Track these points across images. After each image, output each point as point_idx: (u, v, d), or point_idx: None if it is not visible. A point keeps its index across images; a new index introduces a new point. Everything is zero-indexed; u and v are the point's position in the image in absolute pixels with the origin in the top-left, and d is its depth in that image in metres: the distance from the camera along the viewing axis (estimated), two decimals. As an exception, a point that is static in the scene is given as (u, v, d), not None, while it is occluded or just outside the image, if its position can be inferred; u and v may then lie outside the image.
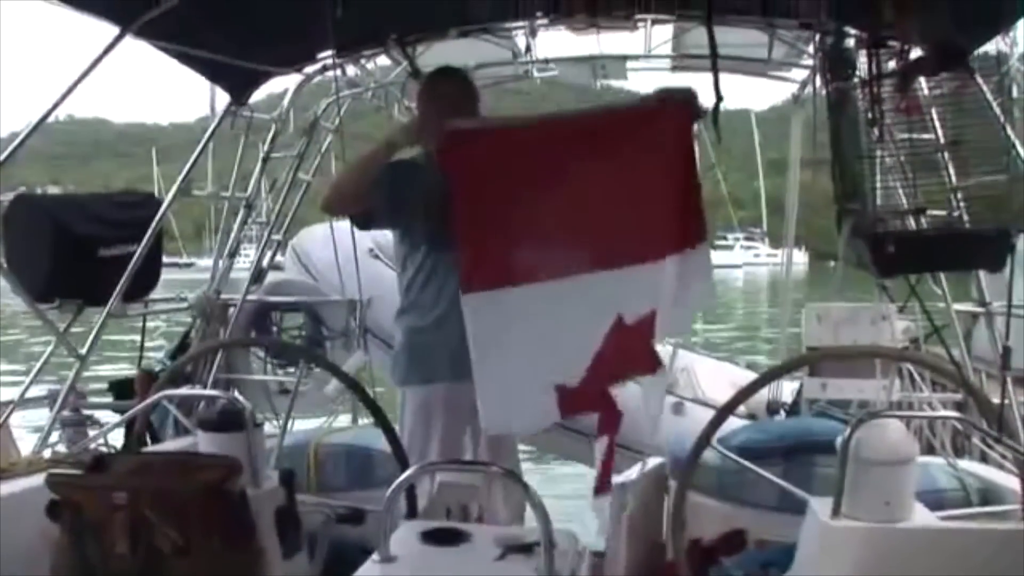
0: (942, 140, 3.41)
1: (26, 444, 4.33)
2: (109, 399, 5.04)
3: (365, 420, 4.55)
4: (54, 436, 4.12)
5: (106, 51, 3.69)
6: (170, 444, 4.17)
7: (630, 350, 3.14)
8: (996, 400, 2.93)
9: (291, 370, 5.46)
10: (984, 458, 4.03)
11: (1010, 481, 3.41)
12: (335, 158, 5.66)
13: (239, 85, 4.73)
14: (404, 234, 3.52)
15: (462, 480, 2.33)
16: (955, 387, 4.26)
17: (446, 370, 3.34)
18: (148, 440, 4.25)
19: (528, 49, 5.13)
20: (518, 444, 3.97)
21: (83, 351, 4.20)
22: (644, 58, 5.12)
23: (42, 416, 4.30)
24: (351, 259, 4.63)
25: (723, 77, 4.10)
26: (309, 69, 4.97)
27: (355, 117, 6.14)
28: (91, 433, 4.12)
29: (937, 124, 3.40)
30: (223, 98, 4.87)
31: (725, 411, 2.73)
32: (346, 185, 3.50)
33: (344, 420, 5.32)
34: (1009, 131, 3.34)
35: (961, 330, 4.70)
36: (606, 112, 3.32)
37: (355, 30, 3.99)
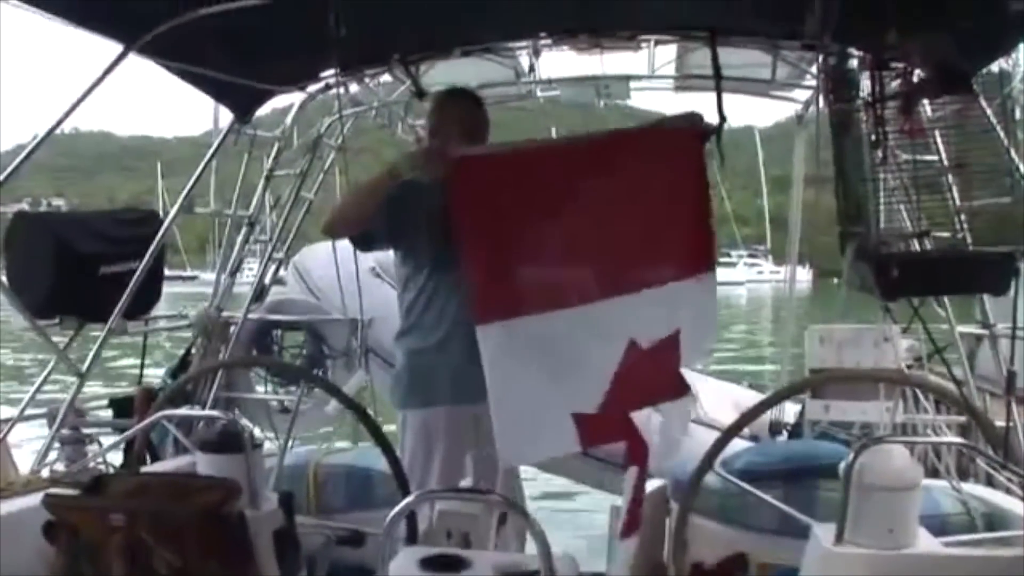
0: (946, 162, 3.40)
1: (25, 459, 4.32)
2: (108, 415, 5.04)
3: (365, 440, 4.53)
4: (52, 454, 4.10)
5: (109, 69, 3.71)
6: (169, 463, 4.15)
7: (652, 375, 3.14)
8: (1000, 423, 2.92)
9: (292, 389, 5.44)
10: (990, 481, 4.00)
11: (1015, 506, 3.39)
12: (339, 172, 5.67)
13: (243, 103, 4.74)
14: (406, 255, 3.51)
15: (462, 509, 2.31)
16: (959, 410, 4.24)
17: (447, 393, 3.33)
18: (147, 458, 4.24)
19: (531, 69, 5.13)
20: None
21: (83, 369, 4.19)
22: (647, 78, 5.11)
23: (41, 433, 4.29)
24: (353, 278, 4.63)
25: (726, 96, 4.12)
26: (312, 87, 4.98)
27: (358, 132, 6.16)
28: (90, 451, 4.11)
29: (941, 146, 3.40)
30: (227, 114, 4.89)
31: (728, 435, 2.72)
32: (348, 210, 3.49)
33: (344, 440, 5.32)
34: (1013, 153, 3.33)
35: (965, 351, 4.68)
36: (616, 137, 3.32)
37: (358, 49, 3.98)
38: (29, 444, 4.58)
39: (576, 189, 3.10)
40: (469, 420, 3.25)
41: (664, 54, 4.92)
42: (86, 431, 4.34)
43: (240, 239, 5.37)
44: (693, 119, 3.30)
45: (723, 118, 3.95)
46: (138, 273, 4.38)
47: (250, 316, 5.43)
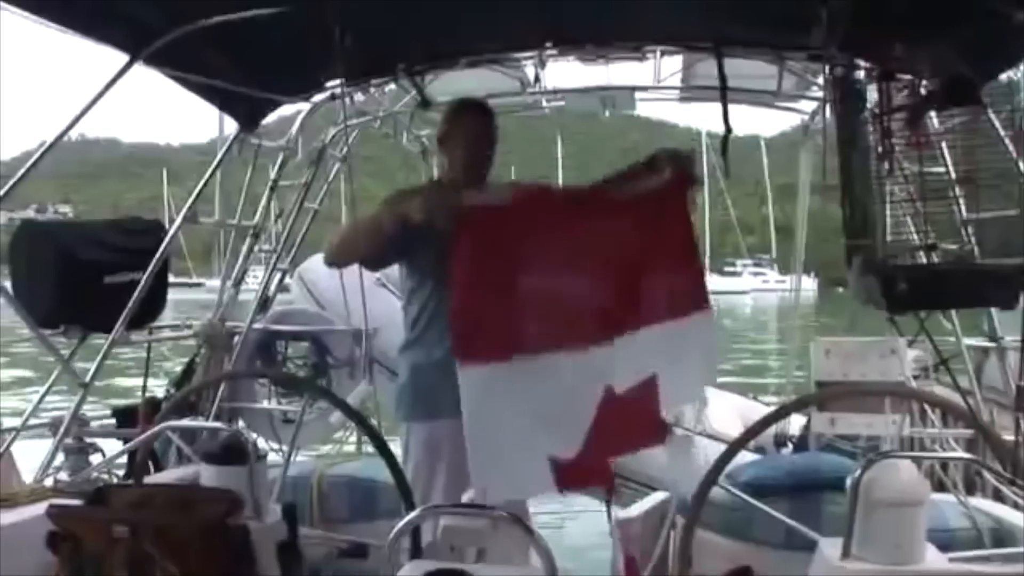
0: (953, 174, 3.39)
1: (30, 466, 4.31)
2: (112, 423, 5.04)
3: (369, 450, 4.53)
4: (56, 463, 4.10)
5: (115, 79, 3.72)
6: (172, 473, 4.16)
7: (630, 421, 3.15)
8: (1008, 436, 2.90)
9: (296, 399, 5.43)
10: (998, 495, 3.98)
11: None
12: (344, 180, 5.66)
13: (248, 112, 4.74)
14: (411, 269, 3.50)
15: (467, 524, 2.29)
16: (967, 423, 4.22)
17: (451, 407, 3.31)
18: (151, 468, 4.23)
19: (537, 79, 5.13)
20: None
21: (87, 379, 4.19)
22: (653, 89, 5.11)
23: (45, 442, 4.28)
24: (358, 288, 4.63)
25: (732, 106, 4.12)
26: (318, 97, 4.98)
27: (363, 140, 6.16)
28: (93, 461, 4.10)
29: (948, 158, 3.39)
30: (232, 122, 4.89)
31: (733, 449, 2.69)
32: (353, 244, 3.50)
33: (348, 449, 5.31)
34: (1021, 165, 3.32)
35: (972, 364, 4.67)
36: (605, 186, 3.30)
37: (364, 59, 3.99)
38: (33, 453, 4.57)
39: (563, 237, 3.10)
40: None
41: (670, 64, 4.93)
42: (89, 441, 4.32)
43: (244, 249, 5.37)
44: (680, 159, 3.29)
45: (729, 129, 3.95)
46: (142, 283, 4.38)
47: (254, 326, 5.42)
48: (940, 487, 3.98)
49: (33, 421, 4.22)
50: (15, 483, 3.95)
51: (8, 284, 4.28)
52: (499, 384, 2.93)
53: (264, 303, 5.59)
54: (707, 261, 79.39)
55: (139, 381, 5.14)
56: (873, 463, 2.37)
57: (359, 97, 5.21)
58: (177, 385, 5.29)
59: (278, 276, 5.69)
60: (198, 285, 38.94)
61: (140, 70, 3.74)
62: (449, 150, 3.56)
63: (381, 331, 5.31)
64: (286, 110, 5.24)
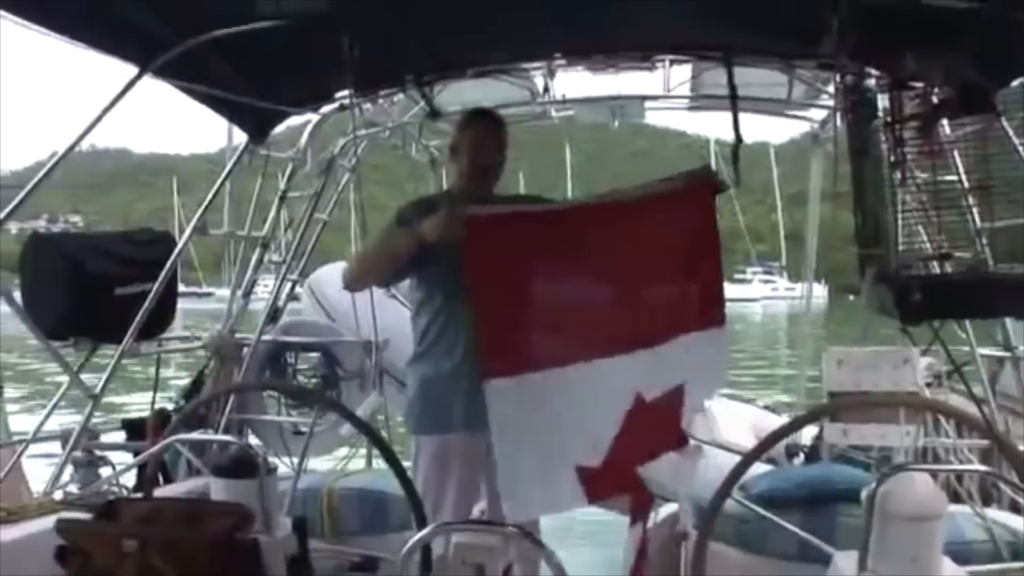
0: (966, 182, 3.37)
1: (39, 476, 4.31)
2: (122, 435, 5.04)
3: (379, 462, 4.51)
4: (65, 475, 4.09)
5: (124, 91, 3.72)
6: (182, 485, 4.15)
7: (656, 428, 3.15)
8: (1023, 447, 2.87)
9: (305, 411, 5.43)
10: (1015, 507, 3.94)
11: None
12: (353, 190, 5.66)
13: (256, 124, 4.74)
14: (420, 280, 3.49)
15: (478, 541, 2.28)
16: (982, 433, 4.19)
17: (462, 420, 3.31)
18: (160, 480, 4.23)
19: (546, 89, 5.12)
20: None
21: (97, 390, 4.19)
22: (663, 98, 5.10)
23: (55, 453, 4.28)
24: (368, 299, 4.62)
25: (741, 114, 4.11)
26: (326, 108, 4.98)
27: (372, 149, 6.16)
28: (102, 473, 4.10)
29: (961, 166, 3.36)
30: (241, 132, 4.89)
31: (747, 462, 2.67)
32: (370, 269, 3.56)
33: (359, 461, 5.30)
34: None
35: (987, 373, 4.63)
36: (627, 195, 3.31)
37: (373, 69, 3.98)
38: (43, 463, 4.57)
39: (585, 247, 3.12)
40: (483, 447, 3.23)
41: (679, 73, 4.91)
42: (99, 453, 4.32)
43: (253, 261, 5.37)
44: (706, 173, 3.34)
45: (739, 139, 3.93)
46: (152, 295, 4.38)
47: (264, 337, 5.41)
48: (955, 498, 3.95)
49: (42, 433, 4.22)
50: (24, 496, 3.96)
51: (18, 295, 4.28)
52: (526, 396, 2.93)
53: (274, 314, 5.58)
54: (716, 268, 79.48)
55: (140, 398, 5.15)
56: (889, 476, 2.35)
57: (368, 108, 5.21)
58: (186, 397, 5.30)
59: (288, 287, 5.69)
60: (208, 295, 39.00)
61: (150, 81, 3.74)
62: (458, 159, 3.57)
63: (391, 342, 5.30)
64: (296, 120, 5.25)
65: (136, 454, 4.12)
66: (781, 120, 5.72)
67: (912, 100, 3.06)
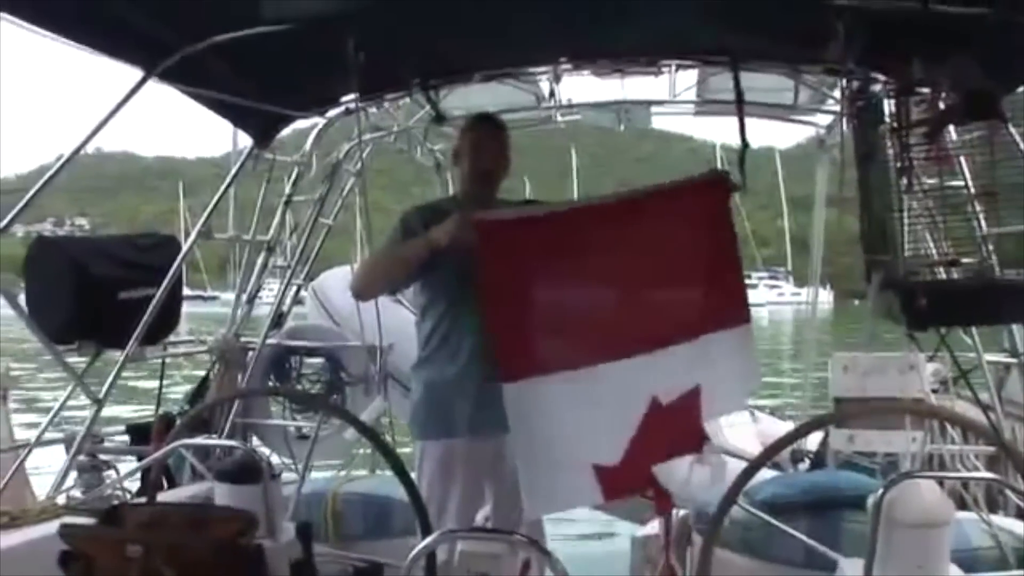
0: (972, 188, 3.35)
1: (43, 483, 4.31)
2: (126, 438, 5.04)
3: (383, 467, 4.51)
4: (69, 480, 4.09)
5: (129, 95, 3.73)
6: (186, 490, 4.15)
7: (673, 429, 3.17)
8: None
9: (310, 415, 5.42)
10: (1022, 514, 3.92)
11: None
12: (358, 194, 5.66)
13: (261, 128, 4.74)
14: (424, 285, 3.49)
15: (484, 549, 2.27)
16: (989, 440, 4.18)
17: (466, 426, 3.31)
18: (164, 484, 4.22)
19: (552, 94, 5.12)
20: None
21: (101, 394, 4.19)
22: (669, 103, 5.09)
23: (59, 458, 4.28)
24: (372, 303, 4.60)
25: (747, 119, 4.10)
26: (332, 112, 4.98)
27: (377, 153, 6.16)
28: (106, 477, 4.09)
29: (967, 172, 3.35)
30: (246, 136, 4.90)
31: (753, 468, 2.65)
32: (379, 276, 3.58)
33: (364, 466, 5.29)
34: None
35: (994, 380, 4.61)
36: (641, 195, 3.33)
37: (378, 74, 3.99)
38: (47, 468, 4.57)
39: (600, 249, 3.14)
40: (488, 452, 3.23)
41: (685, 78, 4.91)
42: (103, 457, 4.32)
43: (259, 264, 5.37)
44: (720, 175, 3.36)
45: (745, 144, 3.93)
46: (156, 299, 4.38)
47: (268, 342, 5.41)
48: (962, 505, 3.93)
49: (47, 437, 4.22)
50: (28, 500, 3.95)
51: (22, 299, 4.29)
52: (544, 397, 2.97)
53: (279, 318, 5.58)
54: (722, 273, 79.47)
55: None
56: (895, 483, 2.33)
57: (373, 112, 5.21)
58: (191, 401, 5.30)
59: (292, 291, 5.68)
60: (213, 298, 39.08)
61: (156, 85, 3.75)
62: (460, 164, 3.57)
63: (396, 346, 5.28)
64: (302, 123, 5.26)
65: (140, 459, 4.11)
66: (787, 125, 5.72)
67: (918, 106, 3.05)
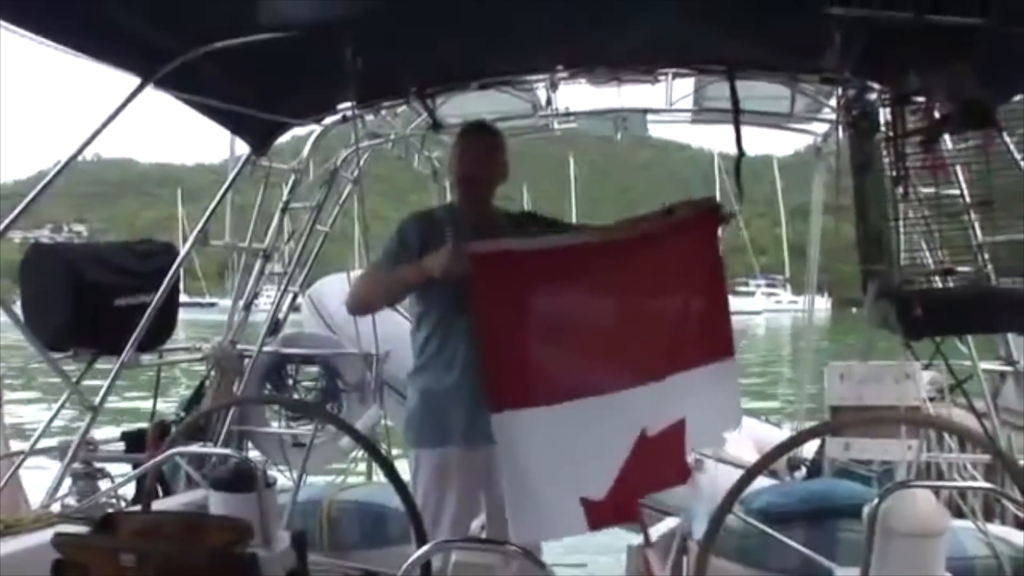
0: (967, 197, 3.36)
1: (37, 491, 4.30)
2: (121, 446, 5.02)
3: (379, 475, 4.50)
4: (64, 488, 4.08)
5: (126, 102, 3.73)
6: (180, 498, 4.13)
7: (658, 461, 3.21)
8: (1025, 462, 2.86)
9: (306, 422, 5.42)
10: (1018, 522, 3.92)
11: None
12: (356, 201, 5.66)
13: (259, 135, 4.74)
14: (420, 294, 3.49)
15: (478, 559, 2.27)
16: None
17: (461, 435, 3.31)
18: (159, 492, 4.21)
19: (549, 102, 5.12)
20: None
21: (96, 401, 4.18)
22: (665, 111, 5.10)
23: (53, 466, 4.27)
24: (368, 310, 4.61)
25: (744, 127, 4.11)
26: (329, 119, 4.98)
27: (375, 159, 6.17)
28: (101, 485, 4.08)
29: (962, 181, 3.36)
30: (244, 143, 4.89)
31: (749, 477, 2.65)
32: (374, 297, 3.57)
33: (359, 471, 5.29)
34: None
35: (989, 388, 4.62)
36: (634, 230, 3.33)
37: (375, 81, 3.99)
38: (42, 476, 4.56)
39: (591, 284, 3.17)
40: (482, 462, 3.23)
41: (682, 86, 4.92)
42: (98, 465, 4.30)
43: (255, 273, 5.37)
44: (710, 204, 3.37)
45: (741, 152, 3.93)
46: (152, 306, 4.37)
47: (264, 349, 5.41)
48: (958, 513, 3.93)
49: (41, 444, 4.21)
50: (22, 508, 3.94)
51: (18, 306, 4.28)
52: (532, 428, 3.00)
53: (275, 326, 5.58)
54: (719, 281, 79.48)
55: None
56: (890, 492, 2.33)
57: (370, 119, 5.21)
58: (187, 408, 5.29)
59: (289, 298, 5.68)
60: (211, 305, 39.03)
61: (155, 91, 3.75)
62: (454, 172, 3.58)
63: (392, 354, 5.28)
64: (300, 130, 5.26)
65: (135, 466, 4.10)
66: (784, 133, 5.73)
67: (914, 115, 3.06)
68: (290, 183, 5.39)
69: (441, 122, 5.12)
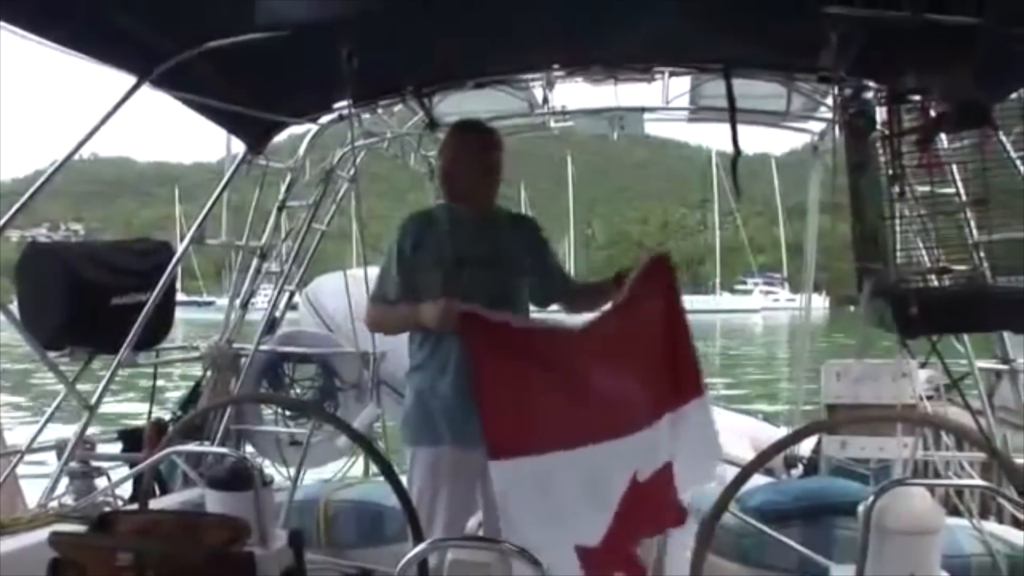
0: (963, 195, 3.36)
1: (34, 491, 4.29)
2: (118, 446, 5.02)
3: (376, 473, 4.50)
4: (60, 487, 4.08)
5: (122, 101, 3.73)
6: (177, 497, 4.14)
7: (652, 506, 3.27)
8: (1021, 460, 2.86)
9: (303, 421, 5.41)
10: (1016, 521, 3.93)
11: None
12: (353, 199, 5.66)
13: (255, 134, 4.74)
14: (415, 296, 3.50)
15: (474, 558, 2.28)
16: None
17: (455, 434, 3.32)
18: (156, 491, 4.21)
19: (545, 100, 5.12)
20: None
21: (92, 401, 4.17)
22: (662, 110, 5.10)
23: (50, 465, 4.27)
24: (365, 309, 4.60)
25: (740, 125, 4.11)
26: (325, 118, 4.98)
27: (373, 158, 6.16)
28: (98, 484, 4.08)
29: (958, 180, 3.36)
30: (240, 142, 4.89)
31: (745, 475, 2.66)
32: (381, 330, 3.85)
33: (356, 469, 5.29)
34: None
35: (985, 387, 4.62)
36: (604, 313, 3.46)
37: (372, 80, 3.99)
38: (39, 475, 4.55)
39: (572, 356, 3.27)
40: (478, 461, 3.23)
41: (678, 84, 4.92)
42: (95, 464, 4.30)
43: (251, 272, 5.37)
44: (660, 258, 3.45)
45: (738, 152, 3.94)
46: (149, 304, 4.37)
47: (261, 348, 5.41)
48: (954, 511, 3.94)
49: (38, 443, 4.20)
50: (20, 507, 3.94)
51: (15, 305, 4.27)
52: (528, 478, 3.07)
53: (271, 324, 5.58)
54: (718, 280, 79.75)
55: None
56: (886, 491, 2.34)
57: (366, 118, 5.21)
58: (183, 407, 5.29)
59: (286, 297, 5.68)
60: (209, 304, 39.01)
61: (152, 90, 3.75)
62: (441, 170, 3.65)
63: (389, 354, 5.27)
64: (297, 129, 5.26)
65: (132, 465, 4.10)
66: (782, 131, 5.72)
67: (910, 113, 3.06)
68: (287, 182, 5.39)
69: (438, 121, 5.13)
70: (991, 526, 3.75)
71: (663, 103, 5.04)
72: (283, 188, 5.42)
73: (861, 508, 2.34)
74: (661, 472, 3.26)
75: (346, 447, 5.01)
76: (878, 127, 3.09)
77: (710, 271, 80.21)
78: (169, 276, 4.54)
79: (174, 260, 4.70)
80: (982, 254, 3.35)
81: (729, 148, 4.28)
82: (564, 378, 3.22)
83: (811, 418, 5.80)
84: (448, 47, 3.98)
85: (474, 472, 3.32)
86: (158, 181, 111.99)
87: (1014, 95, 3.30)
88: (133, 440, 4.89)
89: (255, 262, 5.37)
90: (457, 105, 4.93)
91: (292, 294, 5.79)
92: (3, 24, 3.07)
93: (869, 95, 3.25)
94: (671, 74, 4.68)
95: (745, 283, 79.71)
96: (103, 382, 4.29)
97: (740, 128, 4.19)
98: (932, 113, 3.01)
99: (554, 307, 3.88)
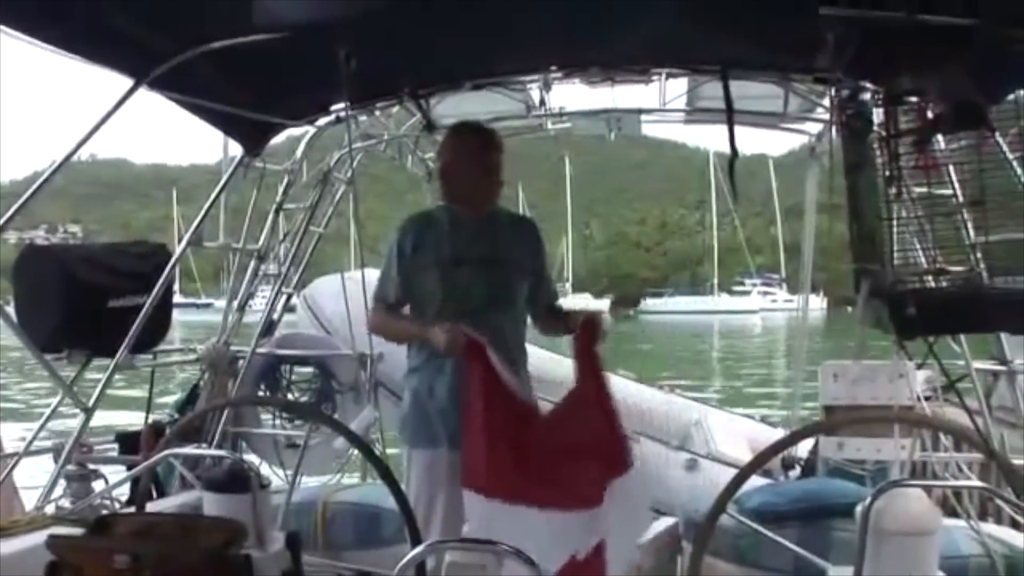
0: (960, 197, 3.37)
1: (31, 494, 4.29)
2: (115, 448, 5.01)
3: (373, 476, 4.51)
4: (58, 490, 4.07)
5: (120, 103, 3.73)
6: (174, 499, 4.14)
7: None
8: (1019, 460, 2.86)
9: (300, 424, 5.41)
10: (1014, 522, 3.93)
11: None
12: (351, 201, 5.66)
13: (252, 137, 4.74)
14: (412, 299, 3.52)
15: (471, 559, 2.28)
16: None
17: (452, 436, 3.32)
18: (153, 493, 4.21)
19: (542, 102, 5.13)
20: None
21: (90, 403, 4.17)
22: (659, 111, 5.11)
23: (47, 466, 4.26)
24: (363, 311, 4.60)
25: (738, 127, 4.11)
26: (323, 120, 4.98)
27: (371, 160, 6.17)
28: (95, 487, 4.08)
29: (955, 181, 3.37)
30: (237, 144, 4.89)
31: (742, 477, 2.66)
32: (385, 338, 3.83)
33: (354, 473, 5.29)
34: None
35: (982, 387, 4.62)
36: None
37: (369, 82, 3.99)
38: (35, 479, 4.55)
39: (542, 424, 3.31)
40: None
41: (675, 85, 4.92)
42: (92, 467, 4.29)
43: (248, 274, 5.37)
44: (589, 320, 3.42)
45: (735, 153, 3.94)
46: (146, 307, 4.36)
47: (258, 351, 5.40)
48: (952, 512, 3.94)
49: (36, 446, 4.20)
50: (17, 510, 3.94)
51: (11, 307, 4.27)
52: (494, 515, 3.03)
53: (269, 327, 5.57)
54: (716, 281, 79.83)
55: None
56: (883, 492, 2.34)
57: (364, 120, 5.21)
58: (181, 410, 5.28)
59: (283, 299, 5.68)
60: (207, 306, 39.02)
61: (150, 92, 3.75)
62: (440, 171, 3.64)
63: (387, 356, 5.28)
64: (294, 130, 5.26)
65: (129, 468, 4.09)
66: (779, 133, 5.73)
67: (906, 115, 3.07)
68: (284, 184, 5.39)
69: (435, 123, 5.13)
70: (989, 527, 3.75)
71: (660, 104, 5.05)
72: (281, 190, 5.42)
73: (859, 509, 2.34)
74: (597, 549, 3.18)
75: (344, 450, 5.01)
76: (875, 128, 3.09)
77: (708, 272, 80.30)
78: (166, 278, 4.54)
79: (171, 262, 4.70)
80: (979, 255, 3.36)
81: (726, 148, 4.28)
82: (534, 445, 3.21)
83: (808, 419, 5.81)
84: (445, 49, 3.98)
85: None
86: (156, 183, 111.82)
87: (1011, 96, 3.30)
88: (130, 443, 4.88)
89: (253, 264, 5.37)
90: (454, 107, 4.93)
91: (290, 296, 5.79)
92: (0, 27, 3.06)
93: (866, 96, 3.25)
94: (668, 76, 4.68)
95: (743, 284, 79.72)
96: (100, 384, 4.29)
97: (737, 129, 4.20)
98: (929, 114, 3.01)
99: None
